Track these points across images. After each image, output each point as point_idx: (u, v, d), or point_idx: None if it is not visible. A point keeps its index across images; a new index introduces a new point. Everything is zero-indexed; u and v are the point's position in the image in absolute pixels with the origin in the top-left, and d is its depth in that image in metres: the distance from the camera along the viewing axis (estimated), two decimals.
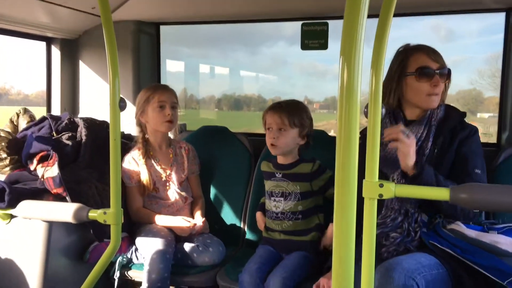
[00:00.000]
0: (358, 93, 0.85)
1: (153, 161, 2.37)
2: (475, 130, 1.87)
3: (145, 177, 2.32)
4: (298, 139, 2.10)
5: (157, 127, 2.34)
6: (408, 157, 1.67)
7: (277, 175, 2.15)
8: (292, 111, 2.07)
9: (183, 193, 2.38)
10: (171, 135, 2.50)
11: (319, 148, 2.40)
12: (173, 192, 2.36)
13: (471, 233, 1.65)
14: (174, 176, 2.37)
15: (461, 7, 2.49)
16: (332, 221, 2.03)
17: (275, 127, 2.07)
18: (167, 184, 2.36)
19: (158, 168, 2.36)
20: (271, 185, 2.17)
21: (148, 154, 2.36)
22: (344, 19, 0.83)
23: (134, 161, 2.34)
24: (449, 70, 1.87)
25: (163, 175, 2.36)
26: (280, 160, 2.16)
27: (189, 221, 2.26)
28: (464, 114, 1.89)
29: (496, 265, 1.54)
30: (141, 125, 2.39)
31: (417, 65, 1.84)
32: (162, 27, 3.07)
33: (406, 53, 1.89)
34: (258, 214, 2.29)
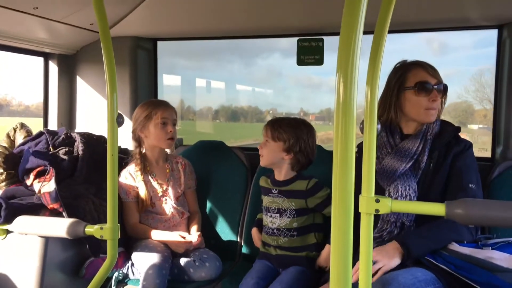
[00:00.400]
0: (355, 109, 0.86)
1: (150, 177, 2.37)
2: (469, 144, 1.89)
3: (142, 193, 2.32)
4: (281, 153, 2.10)
5: (159, 143, 2.35)
6: (394, 257, 1.68)
7: (273, 191, 2.16)
8: (278, 125, 2.10)
9: (179, 208, 2.38)
10: (167, 150, 2.51)
11: (315, 163, 2.42)
12: (170, 207, 2.36)
13: (465, 250, 1.66)
14: (170, 191, 2.37)
15: (453, 24, 2.53)
16: (329, 240, 2.06)
17: (264, 139, 2.14)
18: (164, 199, 2.36)
19: (154, 183, 2.36)
20: (268, 200, 2.18)
21: (145, 170, 2.36)
22: (340, 35, 0.85)
23: (131, 176, 2.34)
24: (446, 86, 1.90)
25: (160, 190, 2.36)
26: (277, 176, 2.17)
27: (184, 237, 2.25)
28: (458, 129, 1.92)
29: (491, 281, 1.54)
30: (138, 140, 2.39)
31: (415, 80, 1.87)
32: (159, 42, 3.10)
33: (405, 68, 1.92)
34: (254, 231, 2.30)
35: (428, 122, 1.91)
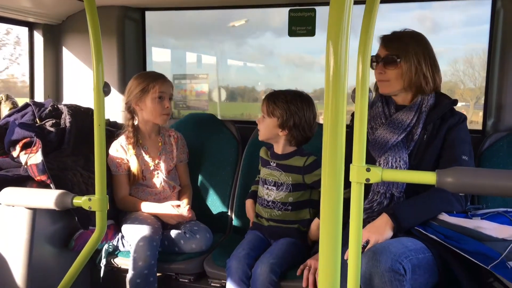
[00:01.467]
0: (345, 79, 0.85)
1: (142, 150, 2.34)
2: (464, 117, 1.88)
3: (134, 166, 2.29)
4: (276, 129, 2.07)
5: (154, 118, 2.31)
6: (385, 232, 1.68)
7: (271, 163, 2.15)
8: (274, 101, 2.06)
9: (171, 182, 2.36)
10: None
11: (319, 138, 2.41)
12: (161, 181, 2.34)
13: (455, 220, 1.67)
14: (162, 165, 2.35)
15: None
16: (319, 215, 2.06)
17: (262, 114, 2.12)
18: (156, 173, 2.34)
19: (146, 157, 2.34)
20: (265, 172, 2.17)
21: (137, 143, 2.33)
22: (330, 4, 0.82)
23: (122, 149, 2.31)
24: (393, 58, 1.84)
25: (151, 164, 2.34)
26: (276, 149, 2.16)
27: (176, 206, 2.24)
28: (455, 102, 1.90)
29: (480, 250, 1.55)
30: (131, 112, 2.34)
31: (374, 53, 1.91)
32: (148, 14, 3.02)
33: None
34: (248, 202, 2.29)
35: (382, 93, 1.94)
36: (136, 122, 2.36)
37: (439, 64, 1.91)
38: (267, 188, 2.14)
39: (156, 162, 2.35)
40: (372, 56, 1.86)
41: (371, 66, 1.88)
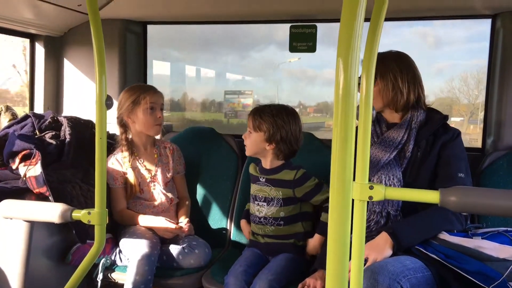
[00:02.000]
0: (355, 95, 0.85)
1: (137, 163, 2.33)
2: (458, 133, 1.89)
3: (131, 179, 2.29)
4: (263, 143, 2.07)
5: (147, 130, 2.30)
6: (384, 250, 1.67)
7: (261, 179, 2.14)
8: (259, 115, 2.06)
9: (168, 194, 2.35)
10: (157, 136, 2.47)
11: (306, 151, 2.41)
12: (158, 193, 2.33)
13: (455, 239, 1.66)
14: (159, 177, 2.34)
15: (448, 13, 2.52)
16: (316, 229, 2.05)
17: (248, 129, 2.12)
18: (152, 185, 2.33)
19: (142, 169, 2.33)
20: (255, 189, 2.16)
21: (133, 155, 2.32)
22: (341, 20, 0.83)
23: (118, 163, 2.30)
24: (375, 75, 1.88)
25: (148, 176, 2.32)
26: (264, 164, 2.15)
27: (172, 223, 2.23)
28: (446, 117, 1.91)
29: (481, 269, 1.54)
30: (124, 126, 2.33)
31: None
32: (150, 28, 3.04)
33: None
34: (243, 223, 2.29)
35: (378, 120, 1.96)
36: (130, 136, 2.35)
37: (422, 81, 1.93)
38: (258, 204, 2.13)
39: (153, 174, 2.34)
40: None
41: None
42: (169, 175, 2.38)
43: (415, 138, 1.86)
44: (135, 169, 2.31)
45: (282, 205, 2.08)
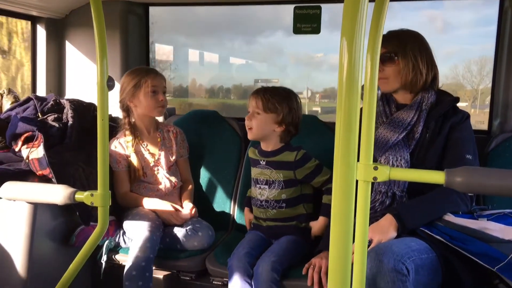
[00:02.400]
0: (360, 76, 0.83)
1: (141, 146, 2.32)
2: (467, 115, 1.87)
3: (134, 163, 2.28)
4: (273, 125, 2.06)
5: (150, 112, 2.29)
6: (388, 232, 1.66)
7: (261, 162, 2.13)
8: (270, 96, 2.03)
9: (172, 178, 2.34)
10: (159, 118, 2.46)
11: (310, 133, 2.39)
12: (162, 177, 2.32)
13: (460, 221, 1.66)
14: (162, 161, 2.34)
15: None
16: (320, 212, 2.04)
17: (252, 111, 2.06)
18: (156, 168, 2.32)
19: (146, 153, 2.32)
20: (256, 172, 2.16)
21: (136, 139, 2.31)
22: (345, 1, 0.81)
23: (121, 146, 2.30)
24: (391, 56, 1.84)
25: (151, 160, 2.32)
26: (264, 146, 2.14)
27: (177, 209, 2.23)
28: (456, 100, 1.88)
29: (486, 251, 1.54)
30: (126, 110, 2.32)
31: None
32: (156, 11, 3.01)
33: None
34: (246, 211, 2.30)
35: (382, 91, 1.92)
36: (133, 120, 2.34)
37: (436, 63, 1.91)
38: (260, 188, 2.13)
39: (156, 158, 2.33)
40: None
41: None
42: (172, 158, 2.38)
43: (425, 119, 1.84)
44: (138, 153, 2.30)
45: (284, 188, 2.08)
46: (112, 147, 2.30)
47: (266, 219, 2.12)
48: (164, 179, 2.32)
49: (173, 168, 2.39)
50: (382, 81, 1.88)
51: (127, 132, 2.30)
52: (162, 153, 2.35)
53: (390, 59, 1.85)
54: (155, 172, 2.32)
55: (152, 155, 2.33)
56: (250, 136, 2.11)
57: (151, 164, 2.32)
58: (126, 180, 2.30)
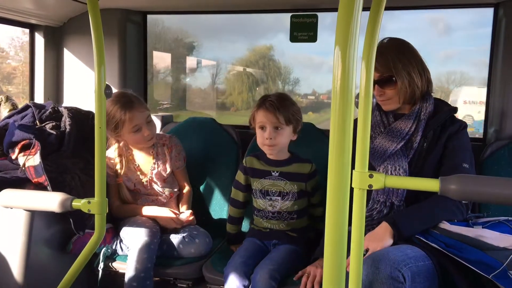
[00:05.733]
0: (353, 85, 0.84)
1: (132, 167, 2.30)
2: (464, 125, 1.88)
3: (125, 183, 2.28)
4: (291, 135, 2.06)
5: (139, 146, 2.28)
6: (384, 240, 1.67)
7: (273, 173, 2.09)
8: (286, 107, 2.00)
9: (167, 190, 2.34)
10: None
11: (307, 141, 2.41)
12: (157, 190, 2.32)
13: (455, 228, 1.66)
14: (155, 177, 2.32)
15: (450, 1, 2.50)
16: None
17: (270, 126, 1.99)
18: (149, 184, 2.31)
19: (138, 173, 2.30)
20: (266, 183, 2.10)
21: (127, 159, 2.29)
22: (338, 10, 0.82)
23: (111, 164, 2.27)
24: (388, 77, 1.82)
25: (144, 179, 2.30)
26: (275, 156, 2.10)
27: (176, 213, 2.23)
28: (455, 110, 1.89)
29: (481, 259, 1.54)
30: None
31: None
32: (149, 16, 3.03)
33: None
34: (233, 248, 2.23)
35: (387, 110, 1.92)
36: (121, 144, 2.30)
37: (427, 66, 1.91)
38: (271, 199, 2.09)
39: (149, 176, 2.31)
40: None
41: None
42: (166, 173, 2.35)
43: (423, 129, 1.85)
44: (131, 171, 2.29)
45: (297, 199, 2.07)
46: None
47: (274, 230, 2.10)
48: (159, 192, 2.32)
49: (169, 179, 2.38)
50: (385, 102, 1.88)
51: (115, 157, 2.27)
52: (155, 171, 2.31)
53: (388, 82, 1.84)
54: (149, 187, 2.31)
55: (144, 174, 2.31)
56: (272, 151, 2.05)
57: (144, 182, 2.30)
58: (119, 193, 2.30)
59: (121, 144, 2.29)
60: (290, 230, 2.09)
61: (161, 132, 2.68)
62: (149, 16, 3.03)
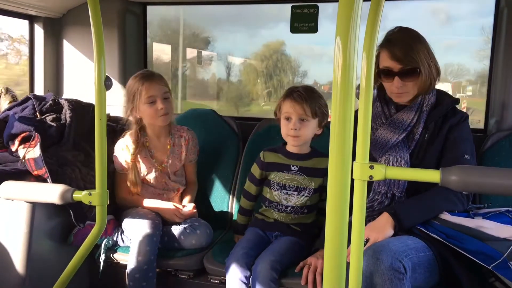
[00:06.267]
0: (354, 76, 0.84)
1: (148, 153, 2.29)
2: (465, 116, 1.87)
3: (138, 169, 2.25)
4: (317, 129, 2.03)
5: (153, 121, 2.24)
6: (385, 230, 1.67)
7: (293, 167, 2.07)
8: (313, 100, 1.96)
9: (175, 184, 2.34)
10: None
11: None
12: (166, 183, 2.31)
13: (456, 219, 1.67)
14: (169, 168, 2.32)
15: None
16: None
17: (296, 117, 1.96)
18: (161, 175, 2.30)
19: (152, 161, 2.29)
20: (284, 177, 2.08)
21: (143, 145, 2.27)
22: (339, 0, 0.81)
23: (127, 150, 2.26)
24: (412, 69, 1.78)
25: (158, 167, 2.29)
26: (293, 149, 2.08)
27: (178, 208, 2.23)
28: (457, 101, 1.88)
29: (482, 249, 1.55)
30: (136, 120, 2.26)
31: (380, 65, 1.83)
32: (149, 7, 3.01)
33: (379, 48, 1.84)
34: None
35: (399, 103, 1.89)
36: (141, 125, 2.29)
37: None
38: (287, 193, 2.07)
39: (163, 165, 2.31)
40: (382, 68, 1.81)
41: (382, 78, 1.84)
42: (179, 165, 2.36)
43: (425, 120, 1.84)
44: (144, 158, 2.27)
45: (312, 194, 2.06)
46: (119, 149, 2.27)
47: (283, 222, 2.09)
48: (168, 185, 2.32)
49: (179, 173, 2.38)
50: (402, 94, 1.83)
51: (134, 138, 2.26)
52: (170, 161, 2.31)
53: (411, 73, 1.79)
54: (160, 178, 2.30)
55: (159, 162, 2.30)
56: (296, 143, 2.03)
57: (157, 171, 2.29)
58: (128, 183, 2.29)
59: (140, 126, 2.27)
60: (295, 224, 2.08)
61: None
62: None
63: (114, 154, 2.29)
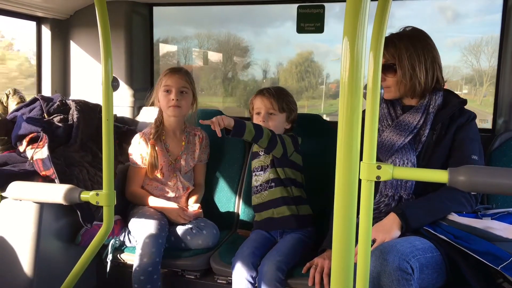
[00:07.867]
0: (362, 76, 0.84)
1: (163, 146, 2.32)
2: (473, 116, 1.85)
3: (151, 160, 2.27)
4: (285, 123, 2.21)
5: (164, 110, 2.31)
6: (392, 231, 1.66)
7: (260, 153, 2.24)
8: (281, 96, 2.17)
9: (186, 183, 2.34)
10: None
11: (313, 132, 2.40)
12: (177, 180, 2.32)
13: (464, 220, 1.65)
14: (182, 165, 2.34)
15: None
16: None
17: (264, 111, 2.16)
18: (173, 171, 2.32)
19: (167, 154, 2.32)
20: (255, 163, 2.25)
21: (160, 138, 2.32)
22: (347, 0, 0.81)
23: (144, 140, 2.30)
24: (391, 65, 1.83)
25: (171, 162, 2.32)
26: None
27: (183, 208, 2.24)
28: (464, 102, 1.86)
29: (490, 250, 1.53)
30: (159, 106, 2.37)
31: None
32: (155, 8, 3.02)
33: None
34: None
35: (386, 98, 1.92)
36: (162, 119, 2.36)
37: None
38: (256, 175, 2.23)
39: (176, 161, 2.33)
40: None
41: None
42: (192, 164, 2.38)
43: (432, 122, 1.83)
44: (159, 151, 2.30)
45: (273, 166, 2.16)
46: (136, 142, 2.31)
47: (262, 207, 2.17)
48: (178, 183, 2.32)
49: (189, 174, 2.40)
50: (386, 89, 1.89)
51: (153, 130, 2.32)
52: (183, 157, 2.35)
53: (389, 68, 1.85)
54: (172, 174, 2.32)
55: (173, 157, 2.33)
56: None
57: (170, 166, 2.31)
58: (141, 177, 2.32)
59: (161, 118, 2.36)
60: (275, 201, 2.14)
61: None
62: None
63: (130, 148, 2.33)
